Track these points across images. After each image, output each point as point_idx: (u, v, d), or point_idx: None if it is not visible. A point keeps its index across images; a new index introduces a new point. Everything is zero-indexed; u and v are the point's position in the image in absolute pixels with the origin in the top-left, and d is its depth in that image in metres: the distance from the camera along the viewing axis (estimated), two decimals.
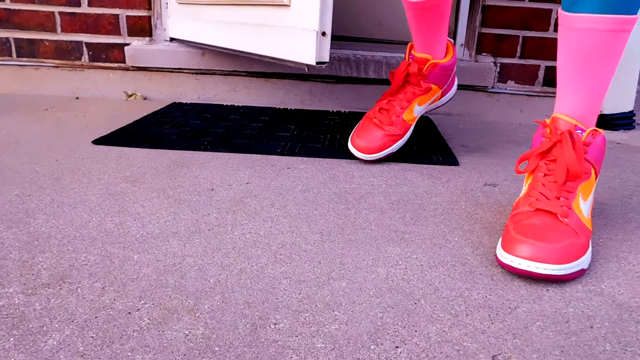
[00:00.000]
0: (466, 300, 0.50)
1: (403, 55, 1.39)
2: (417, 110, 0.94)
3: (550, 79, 1.37)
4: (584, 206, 0.63)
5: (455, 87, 1.02)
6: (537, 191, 0.63)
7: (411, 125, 0.95)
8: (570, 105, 0.66)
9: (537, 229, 0.57)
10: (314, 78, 1.39)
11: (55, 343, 0.41)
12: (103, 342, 0.41)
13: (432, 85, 0.93)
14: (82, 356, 0.40)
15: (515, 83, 1.39)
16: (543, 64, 1.36)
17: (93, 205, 0.69)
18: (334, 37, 1.45)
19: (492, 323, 0.47)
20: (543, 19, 1.32)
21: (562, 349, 0.44)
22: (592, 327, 0.47)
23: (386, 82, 1.38)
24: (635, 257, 0.61)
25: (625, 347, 0.45)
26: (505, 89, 1.39)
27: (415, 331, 0.45)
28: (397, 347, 0.43)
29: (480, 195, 0.80)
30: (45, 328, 0.43)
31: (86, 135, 1.02)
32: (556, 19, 1.31)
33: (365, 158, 0.92)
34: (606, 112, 1.30)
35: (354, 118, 1.28)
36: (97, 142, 0.96)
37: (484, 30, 1.35)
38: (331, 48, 1.42)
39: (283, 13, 0.99)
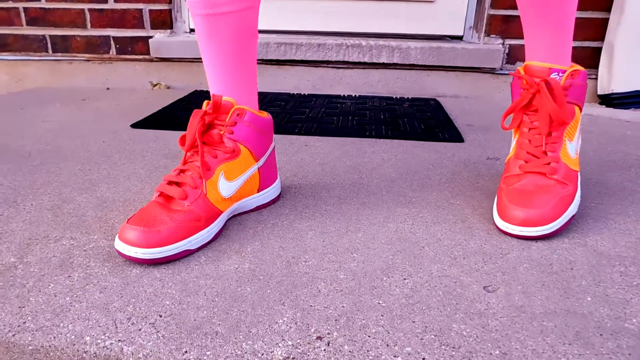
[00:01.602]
0: (464, 248, 0.60)
1: (413, 41, 1.46)
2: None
3: None
4: (570, 147, 0.65)
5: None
6: (525, 151, 0.66)
7: None
8: (539, 48, 0.65)
9: (527, 195, 0.62)
10: (325, 64, 1.48)
11: (138, 272, 0.53)
12: (173, 272, 0.53)
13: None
14: (160, 280, 0.51)
15: None
16: None
17: (143, 177, 0.80)
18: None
19: (485, 264, 0.56)
20: None
21: (543, 283, 0.53)
22: (572, 269, 0.56)
23: (395, 66, 1.46)
24: (623, 218, 0.68)
25: (598, 284, 0.53)
26: (514, 70, 1.45)
27: (420, 269, 0.55)
28: (405, 279, 0.52)
29: (483, 167, 0.88)
30: (127, 262, 0.55)
31: (123, 121, 1.13)
32: None
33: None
34: (618, 90, 1.30)
35: (364, 101, 1.36)
36: (135, 125, 1.07)
37: (492, 11, 1.39)
38: (342, 36, 1.50)
39: (427, 6, 1.49)
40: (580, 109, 0.68)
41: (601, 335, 0.44)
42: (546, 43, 0.65)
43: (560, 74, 0.64)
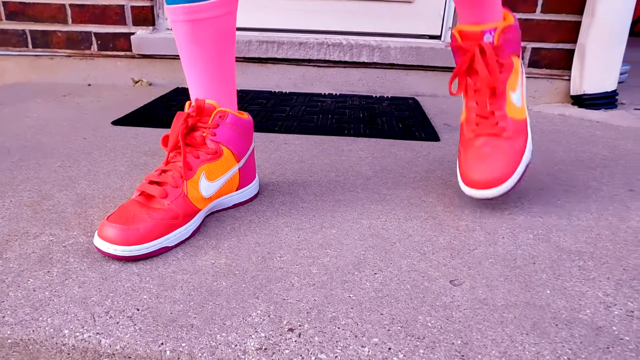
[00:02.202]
0: (434, 244, 0.62)
1: (394, 40, 1.49)
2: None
3: (536, 60, 1.44)
4: (515, 97, 0.67)
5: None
6: (474, 114, 0.69)
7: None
8: (469, 10, 0.67)
9: (482, 157, 0.67)
10: (307, 62, 1.50)
11: (116, 267, 0.54)
12: (151, 267, 0.54)
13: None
14: (138, 275, 0.53)
15: None
16: (529, 45, 1.42)
17: (123, 174, 0.81)
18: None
19: (453, 259, 0.59)
20: (529, 1, 1.39)
21: (506, 277, 0.56)
22: (534, 264, 0.59)
23: (375, 65, 1.49)
24: (585, 215, 0.71)
25: (558, 277, 0.56)
26: None
27: (391, 263, 0.57)
28: (375, 273, 0.55)
29: (456, 166, 0.91)
30: (106, 258, 0.56)
31: (104, 117, 1.13)
32: (543, 2, 1.38)
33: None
34: (589, 91, 1.34)
35: (344, 100, 1.39)
36: (116, 122, 1.07)
37: None
38: (324, 35, 1.52)
39: (406, 6, 1.53)
40: (519, 57, 0.70)
41: (556, 325, 0.47)
42: (474, 3, 0.67)
43: (493, 33, 0.66)
